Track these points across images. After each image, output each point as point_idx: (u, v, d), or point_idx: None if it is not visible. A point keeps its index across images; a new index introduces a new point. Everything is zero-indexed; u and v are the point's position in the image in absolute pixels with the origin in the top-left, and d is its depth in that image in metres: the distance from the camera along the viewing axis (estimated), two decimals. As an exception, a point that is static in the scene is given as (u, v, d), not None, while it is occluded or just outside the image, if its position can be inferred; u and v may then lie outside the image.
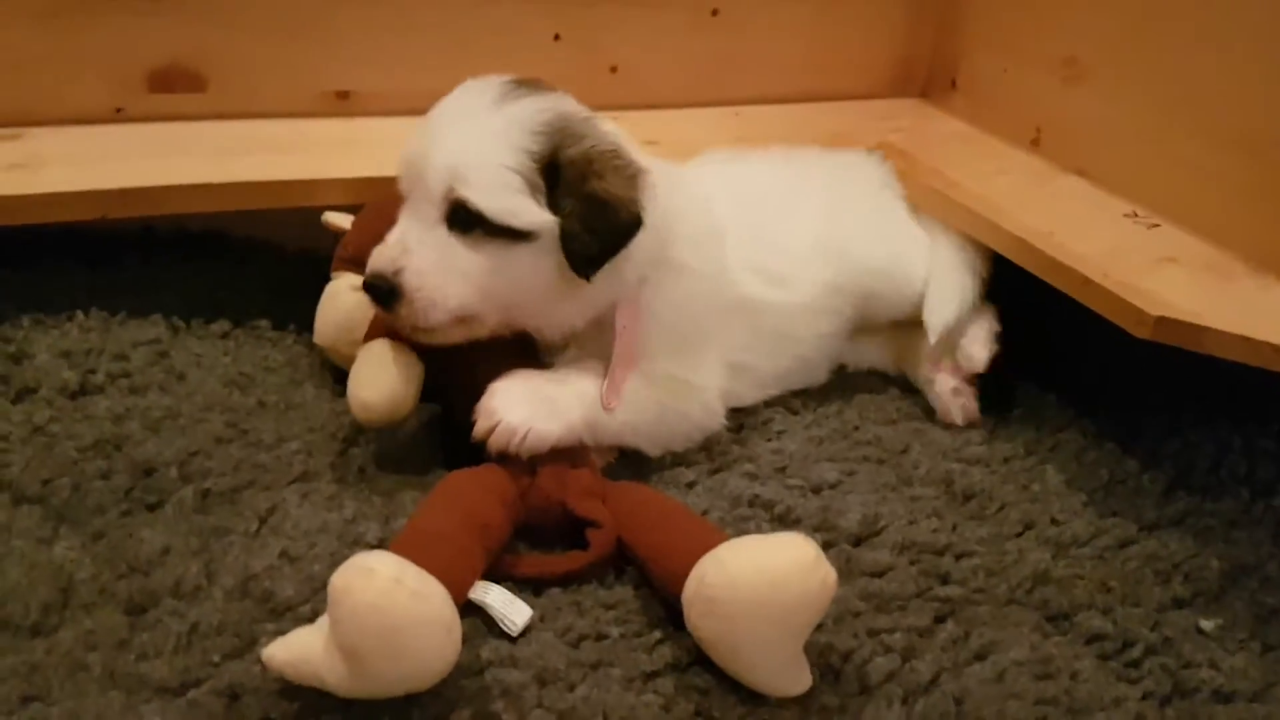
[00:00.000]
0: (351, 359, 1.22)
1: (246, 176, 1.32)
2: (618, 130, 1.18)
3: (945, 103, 1.80)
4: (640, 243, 1.13)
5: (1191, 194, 1.37)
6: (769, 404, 1.36)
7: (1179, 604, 1.10)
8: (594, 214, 1.09)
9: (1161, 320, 1.16)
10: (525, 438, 1.09)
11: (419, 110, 1.56)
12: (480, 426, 1.10)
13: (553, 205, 1.09)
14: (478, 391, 1.14)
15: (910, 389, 1.45)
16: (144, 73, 1.44)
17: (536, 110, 1.11)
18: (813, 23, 1.75)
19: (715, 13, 1.68)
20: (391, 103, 1.56)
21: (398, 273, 1.08)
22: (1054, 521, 1.20)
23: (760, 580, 0.90)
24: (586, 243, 1.10)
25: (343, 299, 1.28)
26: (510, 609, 0.97)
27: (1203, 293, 1.22)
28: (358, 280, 1.28)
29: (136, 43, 1.42)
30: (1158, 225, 1.39)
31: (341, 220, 1.35)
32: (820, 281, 1.35)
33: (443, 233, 1.10)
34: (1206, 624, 1.07)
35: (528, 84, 1.15)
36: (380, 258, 1.10)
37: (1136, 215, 1.41)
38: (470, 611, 0.96)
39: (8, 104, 1.39)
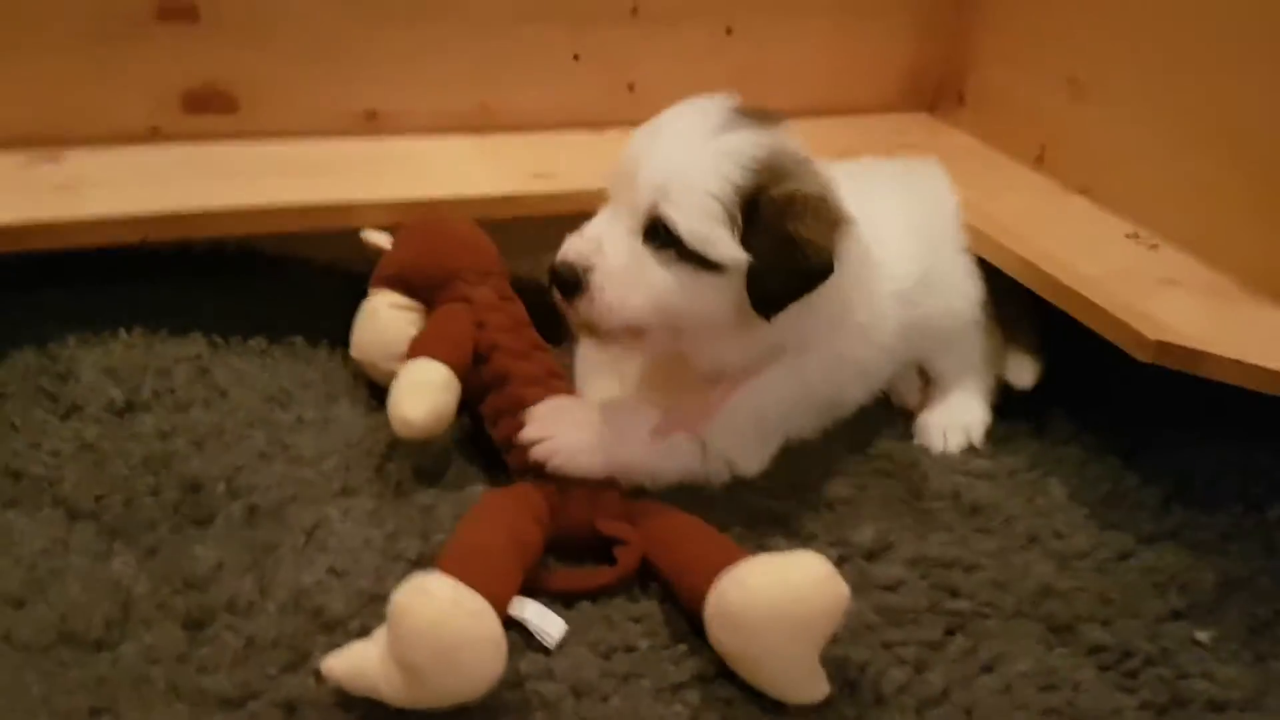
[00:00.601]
0: (388, 374, 1.28)
1: (285, 201, 1.37)
2: (837, 178, 1.18)
3: (952, 117, 1.85)
4: (826, 294, 1.14)
5: (1191, 216, 1.43)
6: None
7: (1175, 615, 1.15)
8: (785, 254, 1.10)
9: (1162, 345, 1.22)
10: (565, 461, 1.15)
11: (443, 129, 1.63)
12: (529, 431, 1.16)
13: (746, 242, 1.10)
14: (512, 409, 1.21)
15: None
16: (179, 94, 1.49)
17: (753, 144, 1.11)
18: (826, 39, 1.80)
19: (730, 31, 1.73)
20: (417, 122, 1.61)
21: (588, 270, 1.10)
22: (1057, 534, 1.25)
23: (778, 596, 0.97)
24: (772, 283, 1.11)
25: (382, 316, 1.34)
26: (546, 623, 1.03)
27: (1202, 316, 1.28)
28: (397, 299, 1.35)
29: (172, 66, 1.47)
30: (1157, 246, 1.44)
31: (380, 239, 1.40)
32: (896, 361, 1.37)
33: (638, 243, 1.11)
34: (1201, 635, 1.12)
35: (753, 114, 1.15)
36: (573, 249, 1.11)
37: (1138, 236, 1.46)
38: (508, 624, 1.01)
39: (48, 125, 1.44)
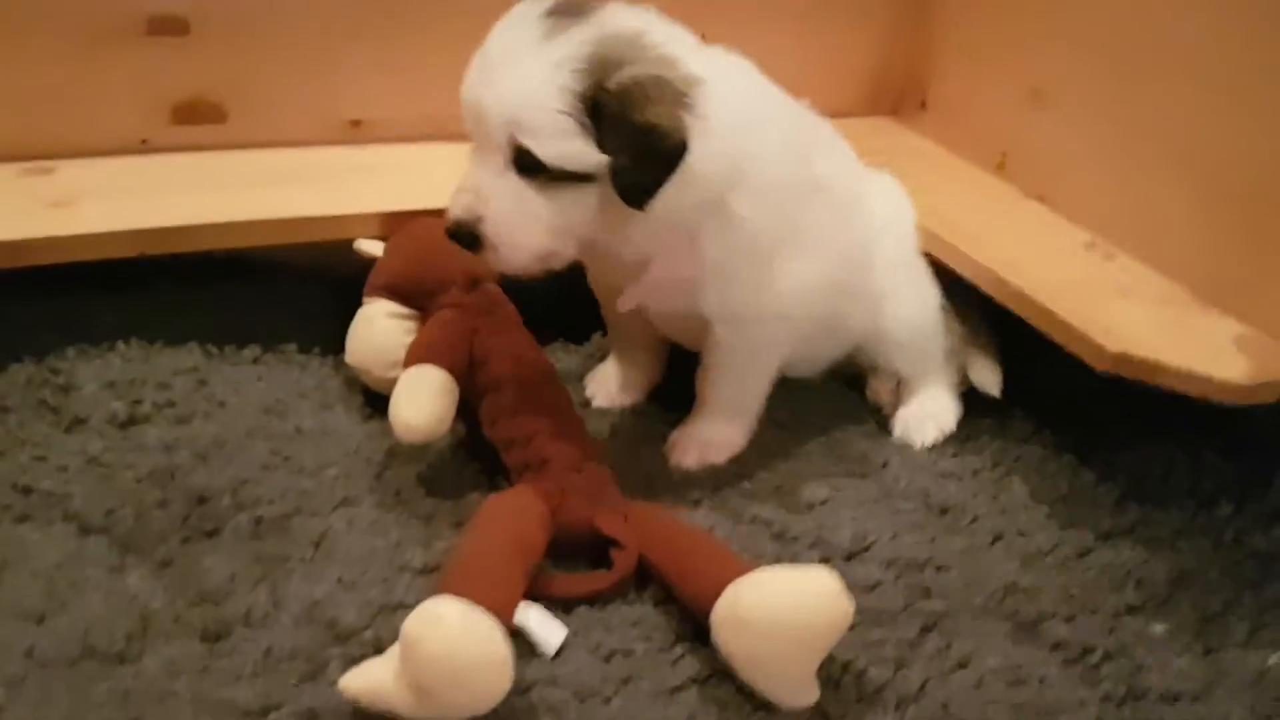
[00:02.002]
0: (384, 382, 1.34)
1: (277, 214, 1.41)
2: (673, 35, 1.18)
3: (914, 122, 1.91)
4: (697, 160, 1.14)
5: (1144, 226, 1.49)
6: (761, 422, 1.45)
7: (1131, 610, 1.22)
8: (637, 144, 1.10)
9: (1120, 356, 1.28)
10: (723, 453, 1.39)
11: (426, 136, 1.67)
12: (687, 462, 1.37)
13: (600, 142, 1.11)
14: (509, 411, 1.27)
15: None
16: (169, 106, 1.52)
17: (579, 44, 1.10)
18: (791, 46, 1.83)
19: (703, 38, 1.77)
20: (400, 129, 1.65)
21: (478, 221, 1.14)
22: (1021, 533, 1.33)
23: (794, 606, 1.03)
24: (634, 175, 1.12)
25: (378, 325, 1.39)
26: (547, 630, 1.08)
27: (1156, 327, 1.35)
28: (393, 307, 1.40)
29: (162, 78, 1.50)
30: (1113, 256, 1.51)
31: (373, 248, 1.44)
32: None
33: (513, 179, 1.13)
34: (1156, 628, 1.20)
35: (570, 8, 1.14)
36: (458, 205, 1.15)
37: (1094, 245, 1.53)
38: (512, 632, 1.06)
39: (42, 137, 1.47)
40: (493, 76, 1.13)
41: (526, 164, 1.12)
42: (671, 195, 1.14)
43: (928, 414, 1.51)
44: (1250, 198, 1.36)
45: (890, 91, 1.95)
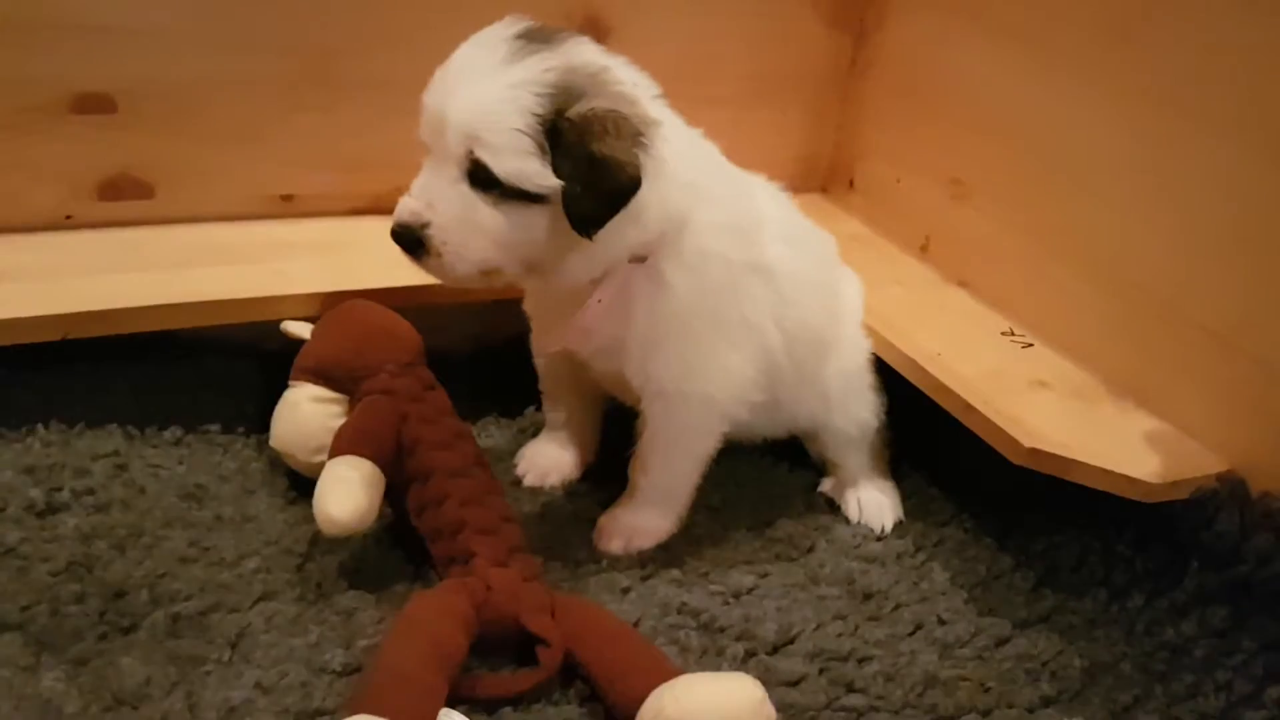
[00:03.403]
0: (309, 467, 1.33)
1: (207, 295, 1.39)
2: (635, 79, 1.22)
3: (843, 200, 1.95)
4: (645, 201, 1.17)
5: (1058, 318, 1.54)
6: (692, 506, 1.46)
7: (1046, 703, 1.25)
8: (592, 175, 1.13)
9: (1035, 452, 1.32)
10: (649, 541, 1.41)
11: (358, 210, 1.66)
12: (612, 549, 1.39)
13: (555, 167, 1.13)
14: (436, 501, 1.27)
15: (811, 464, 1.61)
16: (94, 183, 1.50)
17: (543, 70, 1.13)
18: (729, 121, 1.84)
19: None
20: (330, 203, 1.64)
21: (424, 226, 1.16)
22: (940, 621, 1.35)
23: (718, 716, 1.06)
24: (586, 204, 1.14)
25: (303, 410, 1.37)
26: (469, 738, 1.08)
27: (1070, 421, 1.39)
28: (318, 391, 1.38)
29: (87, 155, 1.48)
30: (1031, 345, 1.55)
31: (300, 330, 1.43)
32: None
33: (465, 189, 1.15)
34: (1068, 723, 1.24)
35: (539, 35, 1.17)
36: (406, 210, 1.17)
37: (1012, 334, 1.57)
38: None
39: (-35, 213, 1.44)
40: (457, 88, 1.15)
41: (481, 178, 1.14)
42: (616, 230, 1.17)
43: (885, 498, 1.56)
44: (1160, 295, 1.41)
45: (820, 170, 1.99)
